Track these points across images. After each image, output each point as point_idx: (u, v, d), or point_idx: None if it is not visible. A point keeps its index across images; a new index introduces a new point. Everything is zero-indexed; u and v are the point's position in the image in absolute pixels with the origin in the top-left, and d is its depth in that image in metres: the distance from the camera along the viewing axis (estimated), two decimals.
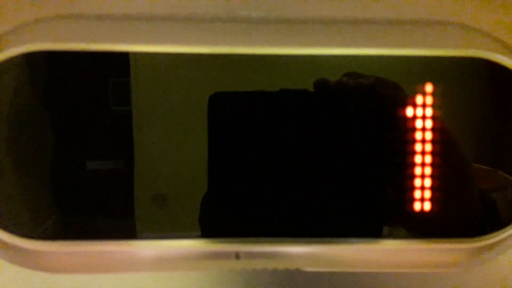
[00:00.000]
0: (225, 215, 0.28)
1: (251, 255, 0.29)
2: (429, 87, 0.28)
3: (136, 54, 0.27)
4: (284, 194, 0.28)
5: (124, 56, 0.27)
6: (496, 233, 0.29)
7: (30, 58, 0.27)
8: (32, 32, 0.28)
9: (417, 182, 0.28)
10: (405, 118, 0.28)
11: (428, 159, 0.28)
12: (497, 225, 0.29)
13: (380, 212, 0.29)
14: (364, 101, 0.28)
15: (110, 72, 0.27)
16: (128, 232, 0.28)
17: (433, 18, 0.29)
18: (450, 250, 0.29)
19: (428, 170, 0.28)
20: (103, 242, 0.28)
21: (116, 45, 0.27)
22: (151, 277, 0.30)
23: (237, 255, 0.29)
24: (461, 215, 0.29)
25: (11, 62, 0.27)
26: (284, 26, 0.29)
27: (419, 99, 0.28)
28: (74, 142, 0.28)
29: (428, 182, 0.28)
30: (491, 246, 0.29)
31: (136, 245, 0.28)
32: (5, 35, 0.28)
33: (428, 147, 0.28)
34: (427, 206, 0.28)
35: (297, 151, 0.28)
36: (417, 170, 0.28)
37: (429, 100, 0.28)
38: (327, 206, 0.28)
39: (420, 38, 0.29)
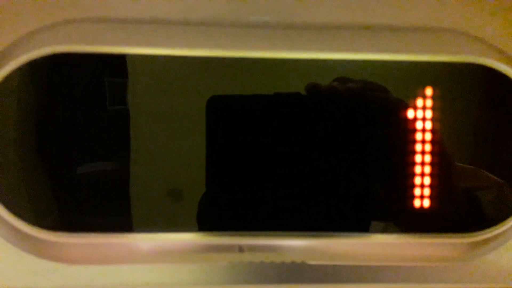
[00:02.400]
0: (222, 212, 0.30)
1: (253, 249, 0.30)
2: (426, 91, 0.29)
3: (134, 56, 0.28)
4: (282, 192, 0.29)
5: (122, 58, 0.28)
6: (487, 230, 0.30)
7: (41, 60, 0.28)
8: (55, 34, 0.28)
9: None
10: (393, 119, 0.29)
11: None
12: (482, 222, 0.30)
13: (367, 208, 0.30)
14: (352, 103, 0.29)
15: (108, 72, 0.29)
16: (126, 226, 0.29)
17: (433, 25, 0.30)
18: (443, 244, 0.30)
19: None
20: (105, 235, 0.29)
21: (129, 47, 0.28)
22: (158, 269, 0.31)
23: (240, 248, 0.30)
24: (448, 212, 0.30)
25: (32, 64, 0.28)
26: (282, 31, 0.29)
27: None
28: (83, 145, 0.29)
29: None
30: (483, 242, 0.30)
31: (140, 238, 0.29)
32: (29, 36, 0.28)
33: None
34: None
35: (292, 150, 0.29)
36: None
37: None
38: (317, 202, 0.29)
39: (419, 44, 0.29)
